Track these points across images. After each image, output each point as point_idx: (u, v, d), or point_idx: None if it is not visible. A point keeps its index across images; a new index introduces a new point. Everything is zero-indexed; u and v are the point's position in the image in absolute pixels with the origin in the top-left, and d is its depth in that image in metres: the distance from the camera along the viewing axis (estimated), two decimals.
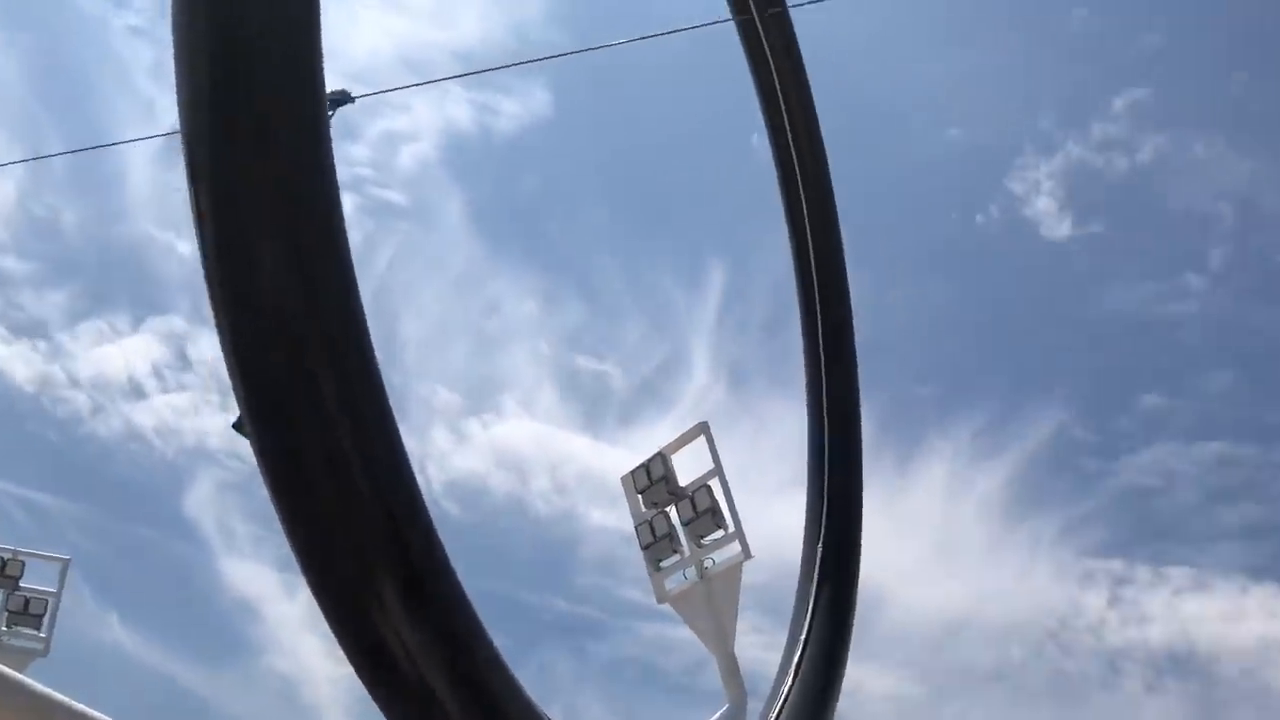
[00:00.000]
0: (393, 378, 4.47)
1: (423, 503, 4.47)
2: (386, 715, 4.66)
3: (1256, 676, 32.65)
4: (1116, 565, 35.77)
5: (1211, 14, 39.08)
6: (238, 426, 10.75)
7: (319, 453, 4.21)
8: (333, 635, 4.43)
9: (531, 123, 42.57)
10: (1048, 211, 39.16)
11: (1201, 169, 39.02)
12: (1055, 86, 40.31)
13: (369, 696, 4.59)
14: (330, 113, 10.92)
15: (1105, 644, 34.98)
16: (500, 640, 4.83)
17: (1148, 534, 38.51)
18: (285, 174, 4.25)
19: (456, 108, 40.51)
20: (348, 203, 4.52)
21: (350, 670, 4.53)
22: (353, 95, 11.27)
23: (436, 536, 4.50)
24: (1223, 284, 37.71)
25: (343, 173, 4.50)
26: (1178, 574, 34.85)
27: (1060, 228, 39.54)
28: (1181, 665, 33.81)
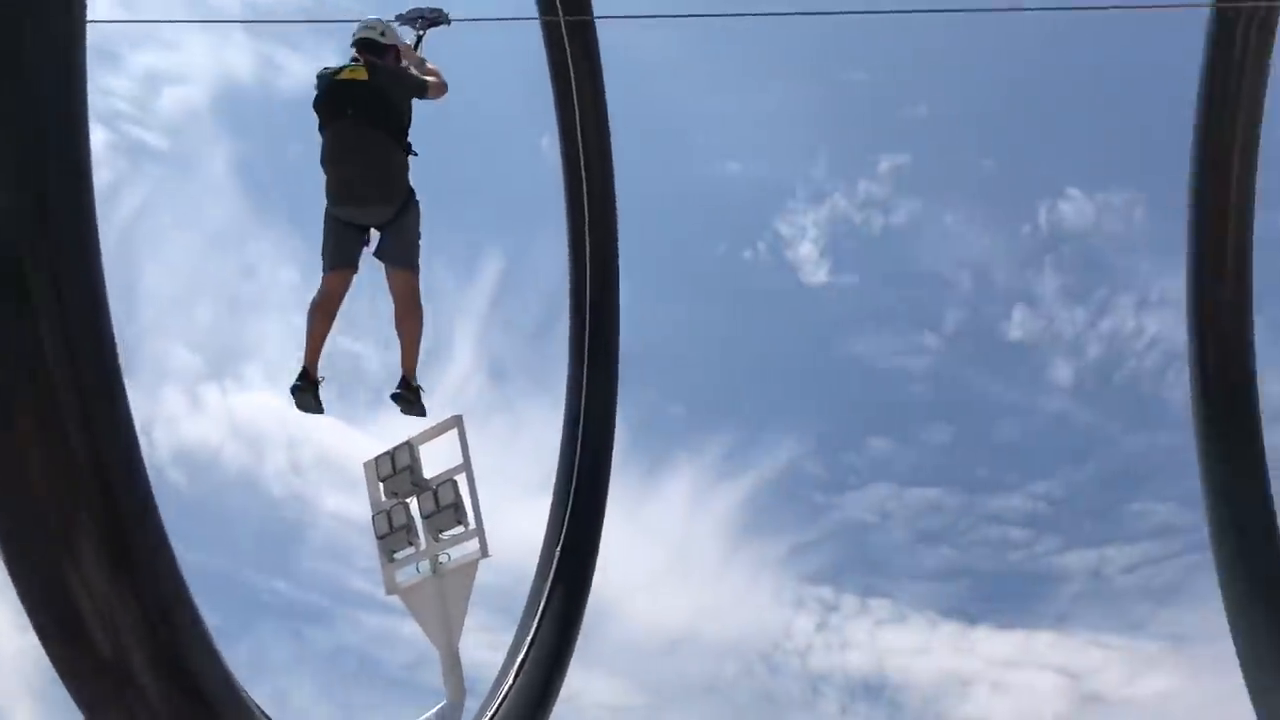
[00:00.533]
0: (126, 330, 4.15)
1: (142, 465, 4.15)
2: (73, 691, 4.30)
3: (934, 706, 35.75)
4: (828, 593, 38.15)
5: (973, 100, 42.65)
6: (296, 391, 9.31)
7: (29, 399, 3.84)
8: (18, 599, 4.04)
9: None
10: (809, 257, 41.44)
11: (947, 238, 42.44)
12: (831, 140, 42.74)
13: (54, 671, 4.22)
14: (421, 32, 9.93)
15: (810, 667, 37.18)
16: (213, 618, 4.59)
17: (859, 566, 41.33)
18: (29, 95, 3.84)
19: (237, 55, 38.14)
20: (97, 137, 4.18)
21: (36, 641, 4.14)
22: (449, 16, 9.96)
23: (153, 502, 4.20)
24: (954, 346, 41.15)
25: (97, 103, 4.15)
26: (879, 606, 37.58)
27: (818, 273, 41.90)
28: (873, 692, 36.42)
